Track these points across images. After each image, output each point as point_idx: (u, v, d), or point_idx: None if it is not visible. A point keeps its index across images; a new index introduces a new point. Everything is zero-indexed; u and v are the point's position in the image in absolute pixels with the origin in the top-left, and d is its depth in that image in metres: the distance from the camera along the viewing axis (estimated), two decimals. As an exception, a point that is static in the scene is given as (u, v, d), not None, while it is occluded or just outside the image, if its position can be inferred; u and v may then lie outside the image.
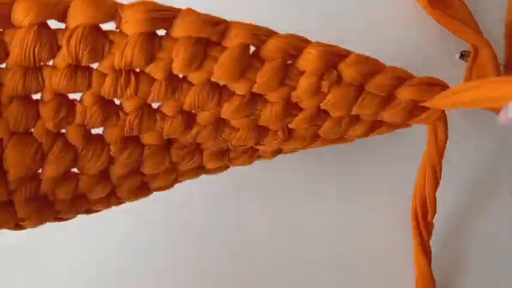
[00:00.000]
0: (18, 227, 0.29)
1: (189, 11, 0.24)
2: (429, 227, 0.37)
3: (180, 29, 0.24)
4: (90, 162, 0.27)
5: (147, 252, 0.38)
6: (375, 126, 0.30)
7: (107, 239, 0.37)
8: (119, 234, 0.38)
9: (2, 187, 0.26)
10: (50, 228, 0.30)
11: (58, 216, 0.29)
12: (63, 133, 0.26)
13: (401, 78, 0.27)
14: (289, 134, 0.29)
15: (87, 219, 0.31)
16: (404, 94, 0.27)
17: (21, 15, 0.22)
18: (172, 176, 0.30)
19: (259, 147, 0.30)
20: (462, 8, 0.41)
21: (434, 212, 0.35)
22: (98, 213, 0.31)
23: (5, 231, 0.29)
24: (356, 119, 0.29)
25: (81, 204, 0.29)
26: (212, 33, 0.24)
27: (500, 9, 0.41)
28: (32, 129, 0.25)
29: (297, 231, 0.39)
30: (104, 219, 0.32)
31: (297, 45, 0.26)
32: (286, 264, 0.38)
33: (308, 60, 0.26)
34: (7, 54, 0.23)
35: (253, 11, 0.38)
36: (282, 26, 0.26)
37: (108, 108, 0.26)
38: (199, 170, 0.31)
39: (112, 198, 0.30)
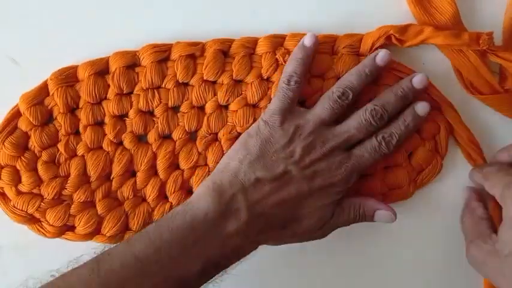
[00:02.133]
0: (100, 233, 0.39)
1: (179, 42, 0.39)
2: None
3: (175, 53, 0.39)
4: (141, 159, 0.39)
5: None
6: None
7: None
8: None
9: (87, 189, 0.38)
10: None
11: (129, 226, 0.39)
12: (122, 144, 0.39)
13: (331, 37, 0.40)
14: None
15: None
16: (340, 44, 0.40)
17: (82, 72, 0.38)
18: (205, 172, 0.41)
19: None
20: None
21: None
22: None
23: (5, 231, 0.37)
24: None
25: (143, 205, 0.39)
26: (194, 50, 0.39)
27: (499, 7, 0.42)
28: (102, 145, 0.38)
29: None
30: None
31: (251, 40, 0.40)
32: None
33: (259, 46, 0.40)
34: (79, 99, 0.38)
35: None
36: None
37: (145, 117, 0.39)
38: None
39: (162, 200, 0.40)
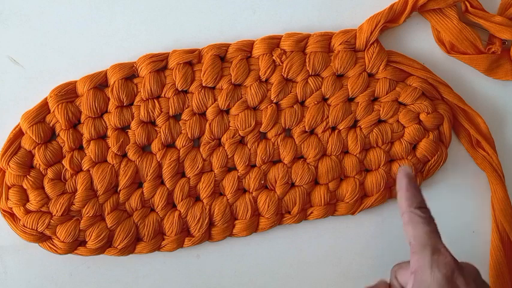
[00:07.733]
0: (111, 246, 0.39)
1: (176, 51, 0.39)
2: None
3: (172, 61, 0.39)
4: (146, 169, 0.39)
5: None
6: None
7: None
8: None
9: (95, 203, 0.38)
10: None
11: (140, 237, 0.40)
12: (126, 156, 0.39)
13: (327, 34, 0.40)
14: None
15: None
16: (336, 41, 0.40)
17: (81, 87, 0.38)
18: (211, 177, 0.40)
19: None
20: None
21: None
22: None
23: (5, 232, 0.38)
24: None
25: (153, 215, 0.40)
26: (191, 57, 0.39)
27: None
28: (106, 158, 0.39)
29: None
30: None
31: (247, 44, 0.40)
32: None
33: (256, 48, 0.39)
34: (80, 114, 0.38)
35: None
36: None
37: (147, 128, 0.39)
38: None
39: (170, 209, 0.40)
